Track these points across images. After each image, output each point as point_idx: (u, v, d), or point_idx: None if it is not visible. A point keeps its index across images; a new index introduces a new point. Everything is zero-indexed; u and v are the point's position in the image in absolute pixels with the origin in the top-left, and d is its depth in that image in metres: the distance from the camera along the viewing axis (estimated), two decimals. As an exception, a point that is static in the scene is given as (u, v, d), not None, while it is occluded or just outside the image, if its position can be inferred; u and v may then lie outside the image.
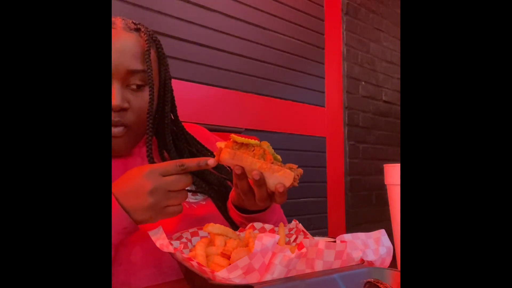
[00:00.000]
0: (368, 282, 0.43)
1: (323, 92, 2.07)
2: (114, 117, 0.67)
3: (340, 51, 2.20)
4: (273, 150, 0.62)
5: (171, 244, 0.49)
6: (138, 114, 0.70)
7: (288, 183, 0.60)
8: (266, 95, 1.77)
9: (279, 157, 0.62)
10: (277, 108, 1.81)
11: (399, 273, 0.44)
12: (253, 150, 0.60)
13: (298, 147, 1.87)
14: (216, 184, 0.79)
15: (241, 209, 0.72)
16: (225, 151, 0.59)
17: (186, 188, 0.72)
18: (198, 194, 0.77)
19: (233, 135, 0.60)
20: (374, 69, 2.45)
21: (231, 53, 1.64)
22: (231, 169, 0.63)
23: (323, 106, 2.06)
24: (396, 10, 2.67)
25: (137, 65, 0.68)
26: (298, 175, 0.61)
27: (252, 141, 0.60)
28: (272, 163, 0.60)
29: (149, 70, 0.69)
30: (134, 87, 0.69)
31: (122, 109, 0.67)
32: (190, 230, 0.61)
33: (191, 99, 1.46)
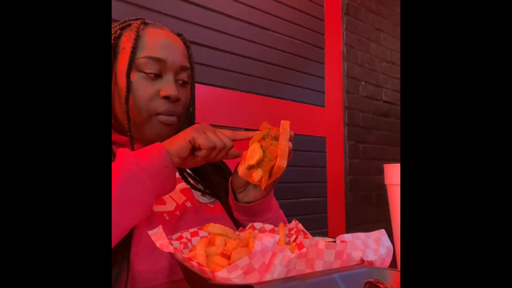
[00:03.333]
0: (368, 282, 0.43)
1: (323, 92, 2.07)
2: (169, 106, 0.73)
3: (340, 51, 2.20)
4: (262, 132, 0.67)
5: (171, 244, 0.49)
6: (183, 107, 0.78)
7: (289, 126, 0.67)
8: (266, 95, 1.77)
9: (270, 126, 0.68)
10: (277, 108, 1.81)
11: (399, 273, 0.44)
12: (269, 145, 0.64)
13: (298, 147, 1.87)
14: (224, 187, 0.82)
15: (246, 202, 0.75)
16: (280, 162, 0.62)
17: (197, 187, 0.79)
18: (206, 196, 0.80)
19: (248, 163, 0.64)
20: (374, 69, 2.45)
21: (231, 53, 1.64)
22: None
23: (323, 106, 2.06)
24: (396, 10, 2.67)
25: (186, 63, 0.77)
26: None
27: (256, 145, 0.64)
28: (277, 131, 0.66)
29: (192, 69, 0.79)
30: (180, 82, 0.76)
31: (177, 99, 0.74)
32: (190, 230, 0.61)
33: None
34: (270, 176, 0.64)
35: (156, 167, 0.62)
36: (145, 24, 0.77)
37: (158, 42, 0.74)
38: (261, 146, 0.64)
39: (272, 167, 0.63)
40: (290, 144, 0.65)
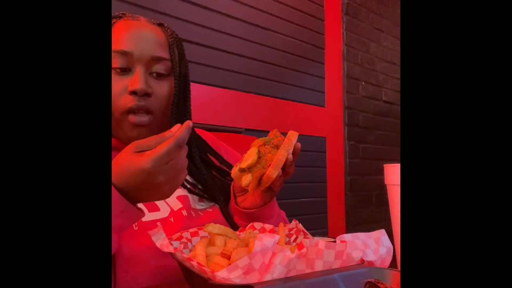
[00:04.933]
0: (368, 282, 0.43)
1: (323, 92, 2.07)
2: (139, 101, 0.68)
3: (340, 51, 2.20)
4: (265, 137, 0.66)
5: (171, 244, 0.49)
6: (161, 102, 0.71)
7: (296, 138, 0.65)
8: (266, 95, 1.77)
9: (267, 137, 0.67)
10: (277, 108, 1.81)
11: (399, 273, 0.44)
12: (267, 152, 0.64)
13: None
14: (222, 192, 0.79)
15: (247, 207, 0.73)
16: (272, 172, 0.61)
17: (194, 192, 0.75)
18: (205, 200, 0.77)
19: (240, 166, 0.63)
20: (374, 69, 2.45)
21: (231, 53, 1.64)
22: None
23: (323, 106, 2.06)
24: (396, 10, 2.67)
25: (162, 53, 0.71)
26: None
27: (254, 150, 0.64)
28: (279, 140, 0.65)
29: (174, 60, 0.72)
30: (154, 75, 0.71)
31: (146, 94, 0.69)
32: (190, 230, 0.61)
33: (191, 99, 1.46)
34: (259, 183, 0.63)
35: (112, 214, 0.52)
36: (119, 17, 0.73)
37: (124, 34, 0.69)
38: (259, 151, 0.63)
39: (263, 175, 0.62)
40: (290, 156, 0.63)
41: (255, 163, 0.62)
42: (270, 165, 0.62)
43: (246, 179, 0.63)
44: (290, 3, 1.91)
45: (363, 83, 2.36)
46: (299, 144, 0.65)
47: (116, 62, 0.68)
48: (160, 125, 0.73)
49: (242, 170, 0.63)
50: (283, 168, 0.65)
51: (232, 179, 0.78)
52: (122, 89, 0.68)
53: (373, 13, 2.47)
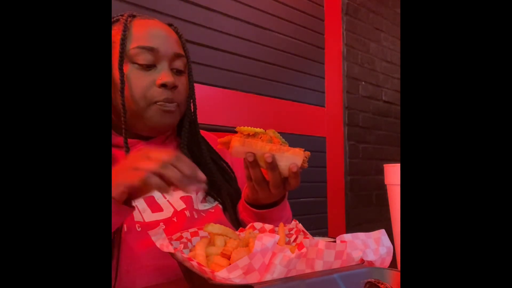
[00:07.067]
0: (368, 282, 0.43)
1: (323, 92, 2.07)
2: (168, 94, 0.72)
3: (340, 51, 2.20)
4: (279, 135, 0.64)
5: (171, 244, 0.49)
6: (182, 95, 0.76)
7: (299, 161, 0.62)
8: (266, 95, 1.77)
9: (286, 142, 0.65)
10: (277, 108, 1.81)
11: (399, 273, 0.44)
12: (261, 137, 0.63)
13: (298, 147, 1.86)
14: (228, 193, 0.80)
15: (255, 205, 0.74)
16: (235, 140, 0.61)
17: (198, 196, 0.76)
18: (207, 201, 0.78)
19: (239, 128, 0.63)
20: (374, 69, 2.45)
21: (232, 53, 1.64)
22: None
23: (323, 106, 2.06)
24: (396, 10, 2.67)
25: (180, 51, 0.76)
26: (306, 156, 0.64)
27: (258, 129, 0.63)
28: (281, 145, 0.63)
29: (188, 57, 0.78)
30: (175, 71, 0.75)
31: (174, 86, 0.73)
32: (190, 230, 0.61)
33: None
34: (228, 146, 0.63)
35: None
36: (133, 16, 0.77)
37: (148, 32, 0.73)
38: (248, 135, 0.63)
39: (249, 139, 0.62)
40: (268, 156, 0.61)
41: (249, 136, 0.62)
42: (258, 144, 0.61)
43: (231, 139, 0.63)
44: (290, 3, 1.91)
45: (363, 83, 2.35)
46: (293, 166, 0.62)
47: (142, 58, 0.71)
48: (179, 115, 0.77)
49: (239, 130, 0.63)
50: (286, 179, 0.65)
51: (230, 179, 0.79)
52: (150, 84, 0.71)
53: (373, 13, 2.47)
